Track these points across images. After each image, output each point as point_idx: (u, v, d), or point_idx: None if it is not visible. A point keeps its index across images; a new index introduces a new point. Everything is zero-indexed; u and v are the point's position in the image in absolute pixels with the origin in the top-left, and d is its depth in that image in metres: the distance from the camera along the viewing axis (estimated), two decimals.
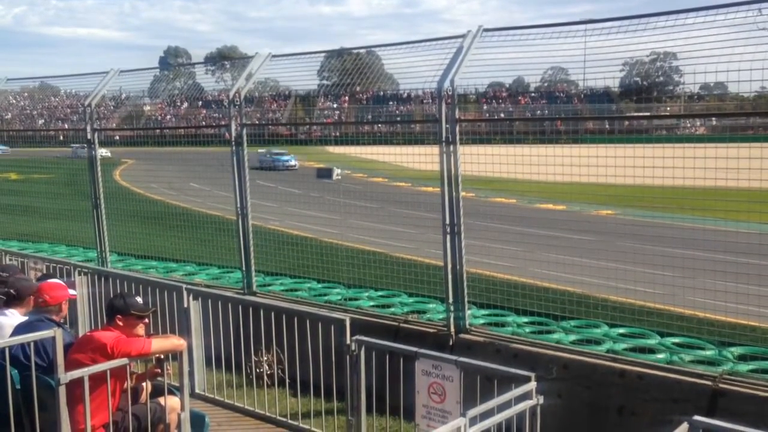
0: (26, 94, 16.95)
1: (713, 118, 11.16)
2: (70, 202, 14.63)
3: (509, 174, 7.68)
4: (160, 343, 5.10)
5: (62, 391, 4.64)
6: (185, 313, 7.22)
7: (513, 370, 4.80)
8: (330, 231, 13.57)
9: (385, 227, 13.06)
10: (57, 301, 5.58)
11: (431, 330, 8.02)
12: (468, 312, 7.84)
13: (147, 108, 14.62)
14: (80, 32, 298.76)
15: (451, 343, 7.71)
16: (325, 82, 11.13)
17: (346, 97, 13.77)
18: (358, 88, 10.49)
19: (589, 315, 8.07)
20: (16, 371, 5.06)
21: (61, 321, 5.67)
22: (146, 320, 5.37)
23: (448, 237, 7.72)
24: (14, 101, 17.09)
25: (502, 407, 4.28)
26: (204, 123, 13.87)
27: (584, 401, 6.76)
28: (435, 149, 7.75)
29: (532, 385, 4.51)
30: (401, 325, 8.23)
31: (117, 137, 13.89)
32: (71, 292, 5.84)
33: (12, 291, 5.93)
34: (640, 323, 7.81)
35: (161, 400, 5.24)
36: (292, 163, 17.00)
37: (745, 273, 6.59)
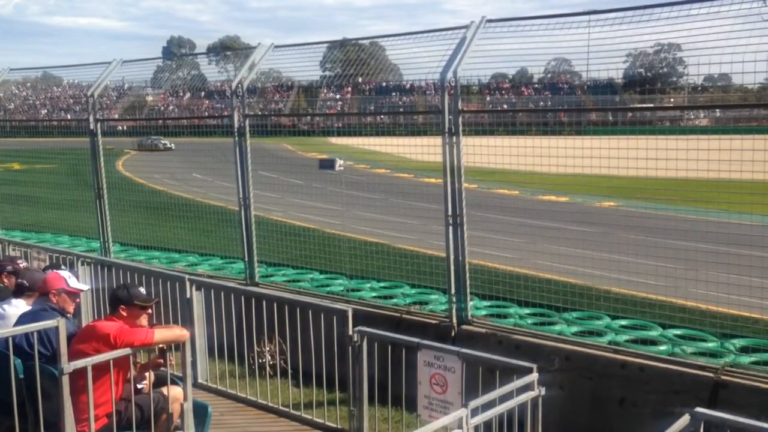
0: (29, 84, 16.94)
1: (717, 110, 11.14)
2: (73, 192, 14.65)
3: (512, 165, 7.68)
4: (162, 334, 5.11)
5: (65, 381, 4.66)
6: (188, 303, 7.24)
7: (515, 362, 4.81)
8: (332, 222, 13.57)
9: (388, 218, 13.06)
10: (47, 289, 5.57)
11: (433, 321, 8.03)
12: (470, 303, 7.85)
13: (149, 98, 14.60)
14: (81, 22, 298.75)
15: (453, 334, 7.72)
16: (327, 72, 11.09)
17: (349, 88, 13.73)
18: (360, 79, 10.46)
19: (591, 306, 8.07)
20: (19, 360, 5.08)
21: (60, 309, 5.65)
22: (149, 311, 5.38)
23: (451, 228, 7.71)
24: (17, 91, 17.08)
25: (503, 398, 4.29)
26: (206, 113, 13.86)
27: (586, 393, 6.78)
28: (438, 140, 7.74)
29: (534, 376, 4.52)
30: (403, 316, 8.24)
31: (120, 127, 13.88)
32: (74, 285, 5.78)
33: (25, 282, 5.95)
34: (642, 315, 7.82)
35: (164, 390, 5.26)
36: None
37: (748, 265, 6.58)
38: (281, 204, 13.58)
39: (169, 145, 18.00)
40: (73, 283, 5.75)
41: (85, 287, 6.32)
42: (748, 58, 5.95)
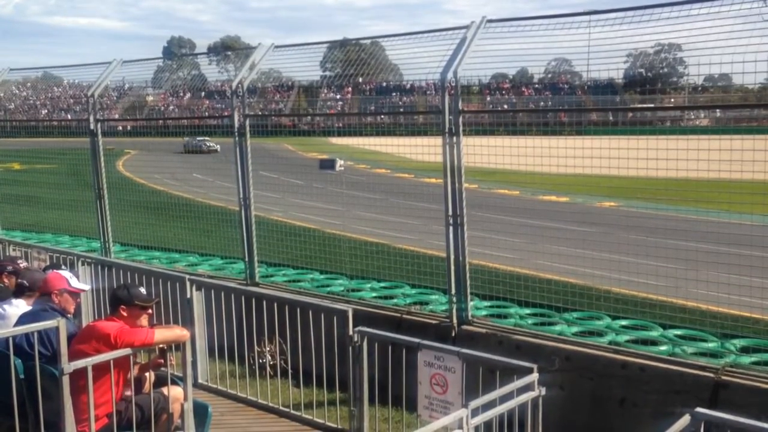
0: (29, 84, 16.94)
1: (717, 110, 11.13)
2: (73, 192, 14.66)
3: (512, 165, 7.68)
4: (163, 334, 5.10)
5: (66, 381, 4.66)
6: (188, 303, 7.24)
7: (515, 362, 4.81)
8: (333, 222, 13.57)
9: (388, 218, 13.07)
10: (48, 289, 5.56)
11: (434, 321, 8.03)
12: (470, 303, 7.85)
13: (150, 98, 14.61)
14: (81, 22, 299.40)
15: (453, 334, 7.72)
16: (328, 72, 11.10)
17: (349, 88, 13.74)
18: (360, 79, 10.46)
19: (591, 307, 8.07)
20: (19, 360, 5.08)
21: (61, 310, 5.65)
22: (150, 311, 5.38)
23: (451, 228, 7.71)
24: (17, 91, 17.08)
25: (504, 398, 4.29)
26: (207, 113, 13.86)
27: (586, 393, 6.78)
28: (438, 140, 7.74)
29: (534, 376, 4.52)
30: (404, 316, 8.24)
31: (120, 128, 13.89)
32: (76, 285, 5.78)
33: (25, 282, 5.95)
34: (643, 315, 7.82)
35: (164, 390, 5.25)
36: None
37: (748, 265, 6.58)
38: (281, 204, 13.59)
39: (214, 147, 17.81)
40: (75, 283, 5.76)
41: (87, 287, 6.32)
42: (748, 58, 5.95)
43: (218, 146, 17.34)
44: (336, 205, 12.92)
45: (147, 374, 5.42)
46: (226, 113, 10.38)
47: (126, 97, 14.75)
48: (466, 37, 7.65)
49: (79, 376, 4.70)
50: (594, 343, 7.09)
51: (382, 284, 9.69)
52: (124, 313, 5.13)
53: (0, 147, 17.77)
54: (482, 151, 7.83)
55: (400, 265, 9.96)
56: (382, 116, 11.98)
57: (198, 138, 16.62)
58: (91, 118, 11.29)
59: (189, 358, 5.27)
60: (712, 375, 6.21)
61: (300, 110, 13.54)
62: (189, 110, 14.85)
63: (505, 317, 8.04)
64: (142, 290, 5.39)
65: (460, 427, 3.83)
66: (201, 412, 5.27)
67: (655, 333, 7.42)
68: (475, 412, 3.97)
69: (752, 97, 7.98)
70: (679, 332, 7.36)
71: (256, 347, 7.42)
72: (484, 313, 8.10)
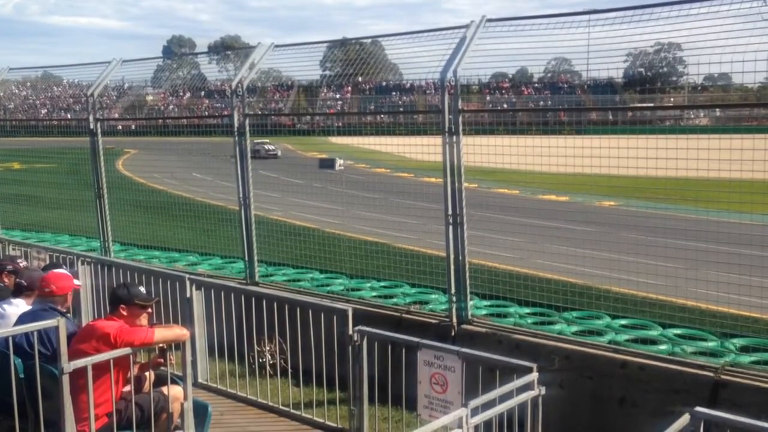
0: (29, 83, 16.93)
1: (717, 109, 11.13)
2: (73, 191, 14.65)
3: (512, 165, 7.68)
4: (163, 333, 5.10)
5: (66, 381, 4.66)
6: (188, 303, 7.24)
7: (515, 361, 4.81)
8: (333, 221, 13.58)
9: (388, 218, 13.06)
10: (63, 292, 5.59)
11: (433, 321, 8.03)
12: (470, 303, 7.85)
13: (149, 98, 14.60)
14: (80, 21, 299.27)
15: (453, 333, 7.72)
16: (327, 72, 11.10)
17: (349, 88, 13.74)
18: (360, 79, 10.46)
19: (591, 306, 8.07)
20: (19, 360, 5.08)
21: (65, 311, 5.68)
22: (150, 310, 5.38)
23: (451, 228, 7.71)
24: (17, 91, 17.07)
25: (503, 398, 4.29)
26: (206, 113, 13.86)
27: (586, 392, 6.78)
28: (438, 140, 7.74)
29: (534, 375, 4.52)
30: (403, 315, 8.24)
31: (120, 127, 13.87)
32: (76, 282, 5.84)
33: (23, 282, 5.95)
34: (642, 314, 7.82)
35: (164, 389, 5.25)
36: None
37: (748, 264, 6.59)
38: (281, 203, 13.59)
39: (273, 151, 16.16)
40: (76, 280, 5.83)
41: (81, 283, 6.37)
42: (748, 57, 5.95)
43: (278, 150, 15.80)
44: (336, 205, 12.93)
45: (147, 373, 5.42)
46: (225, 113, 10.38)
47: (126, 96, 14.74)
48: (465, 36, 7.65)
49: (78, 375, 4.70)
50: (594, 342, 7.10)
51: (382, 284, 9.70)
52: (124, 313, 5.13)
53: (0, 147, 17.75)
54: (482, 151, 7.83)
55: (400, 264, 9.97)
56: (382, 115, 11.98)
57: (256, 141, 16.00)
58: (91, 118, 11.29)
59: (189, 358, 5.26)
60: (711, 374, 6.22)
61: (300, 110, 13.54)
62: (189, 110, 14.85)
63: (505, 316, 8.04)
64: (142, 289, 5.39)
65: (460, 426, 3.83)
66: (201, 412, 5.27)
67: (654, 332, 7.42)
68: (474, 412, 3.97)
69: (752, 97, 7.98)
70: (678, 331, 7.36)
71: (255, 346, 7.43)
72: (483, 312, 8.10)
